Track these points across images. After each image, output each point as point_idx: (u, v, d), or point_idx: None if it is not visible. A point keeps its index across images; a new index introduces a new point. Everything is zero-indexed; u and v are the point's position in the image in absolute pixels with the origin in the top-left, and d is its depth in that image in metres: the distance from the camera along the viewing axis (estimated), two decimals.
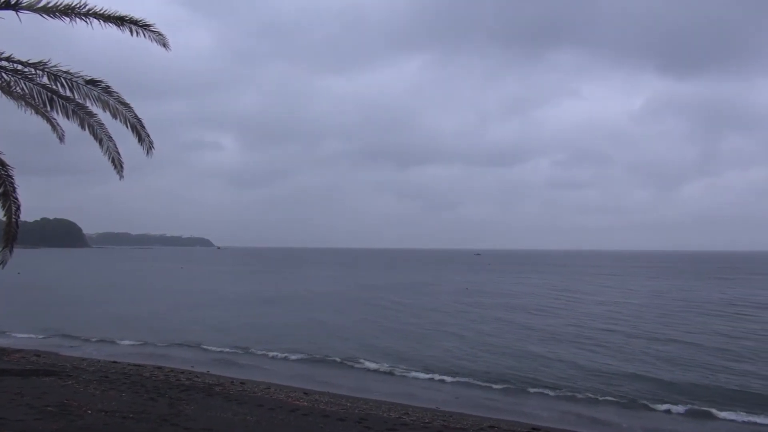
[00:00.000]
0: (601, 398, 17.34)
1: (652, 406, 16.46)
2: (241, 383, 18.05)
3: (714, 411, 15.77)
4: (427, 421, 14.04)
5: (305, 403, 15.39)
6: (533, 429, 13.87)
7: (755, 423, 14.97)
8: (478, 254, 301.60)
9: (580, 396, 17.59)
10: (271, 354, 24.15)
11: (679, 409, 16.09)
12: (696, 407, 16.13)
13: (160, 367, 20.24)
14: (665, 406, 16.33)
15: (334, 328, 31.41)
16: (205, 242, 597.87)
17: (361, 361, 22.61)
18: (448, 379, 20.01)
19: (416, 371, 21.02)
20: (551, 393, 17.95)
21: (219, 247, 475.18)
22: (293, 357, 23.71)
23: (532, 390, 18.43)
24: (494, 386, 19.06)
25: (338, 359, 23.06)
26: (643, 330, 29.81)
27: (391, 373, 20.98)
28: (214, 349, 25.42)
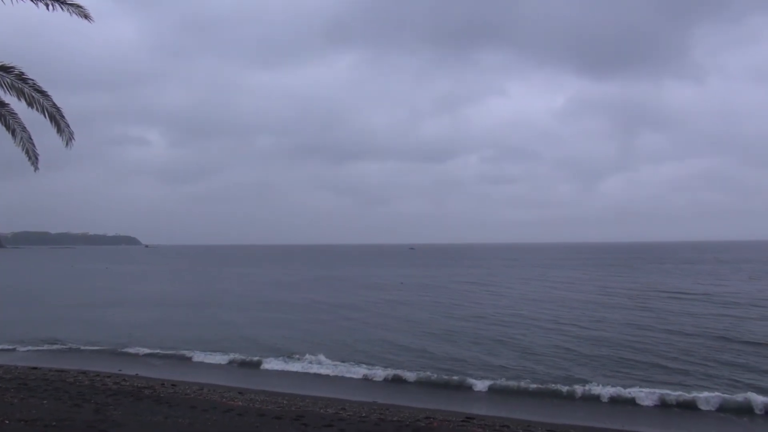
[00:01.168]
0: (522, 387, 17.83)
1: (571, 391, 17.10)
2: (172, 385, 17.49)
3: (626, 393, 16.66)
4: (363, 415, 14.11)
5: (240, 403, 15.11)
6: (467, 418, 14.22)
7: (669, 406, 15.96)
8: (413, 248, 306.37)
9: (505, 384, 18.08)
10: (200, 355, 23.39)
11: (598, 391, 16.83)
12: (605, 392, 16.82)
13: (84, 372, 19.30)
14: (583, 390, 17.03)
15: (249, 327, 30.59)
16: (131, 240, 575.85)
17: (279, 359, 22.40)
18: (377, 374, 20.03)
19: (334, 366, 21.16)
20: (477, 383, 18.27)
21: (147, 246, 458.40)
22: (222, 358, 23.03)
23: (456, 381, 18.78)
24: (422, 379, 19.34)
25: (257, 358, 22.62)
26: (560, 319, 30.94)
27: (318, 372, 20.84)
28: (142, 351, 24.48)
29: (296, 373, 20.91)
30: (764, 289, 47.29)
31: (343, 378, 19.98)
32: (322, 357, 22.22)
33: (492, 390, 17.80)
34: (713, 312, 32.96)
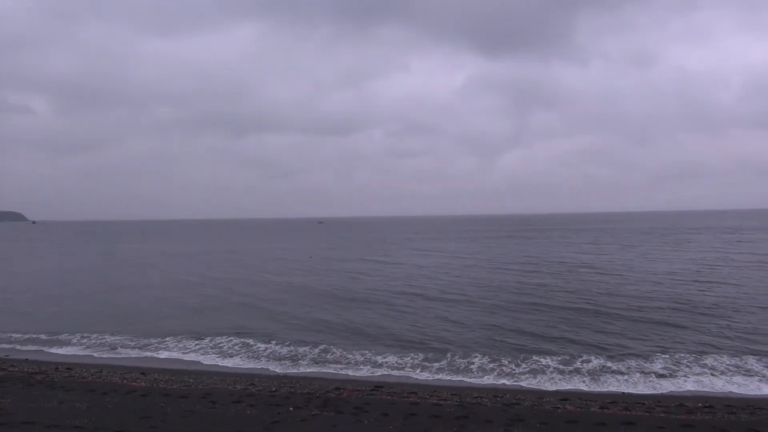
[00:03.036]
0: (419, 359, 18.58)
1: (467, 363, 18.01)
2: (67, 369, 16.52)
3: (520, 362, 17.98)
4: (273, 389, 14.14)
5: (143, 384, 14.61)
6: (377, 386, 14.66)
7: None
8: (321, 222, 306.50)
9: (399, 362, 18.44)
10: (88, 337, 22.10)
11: (487, 360, 17.99)
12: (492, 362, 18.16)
13: None
14: (480, 361, 18.04)
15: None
16: (16, 216, 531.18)
17: (171, 338, 21.76)
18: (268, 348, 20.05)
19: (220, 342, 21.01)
20: (379, 357, 18.62)
21: (34, 222, 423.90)
22: (110, 339, 21.88)
23: (357, 353, 19.01)
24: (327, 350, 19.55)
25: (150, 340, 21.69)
26: (447, 293, 31.91)
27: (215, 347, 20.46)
28: (26, 335, 22.78)
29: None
30: (635, 257, 51.93)
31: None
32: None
33: (389, 363, 17.94)
34: (590, 279, 35.67)
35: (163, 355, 19.75)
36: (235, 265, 54.39)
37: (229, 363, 18.59)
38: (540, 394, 14.08)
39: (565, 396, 13.76)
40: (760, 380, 15.20)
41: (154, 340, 21.52)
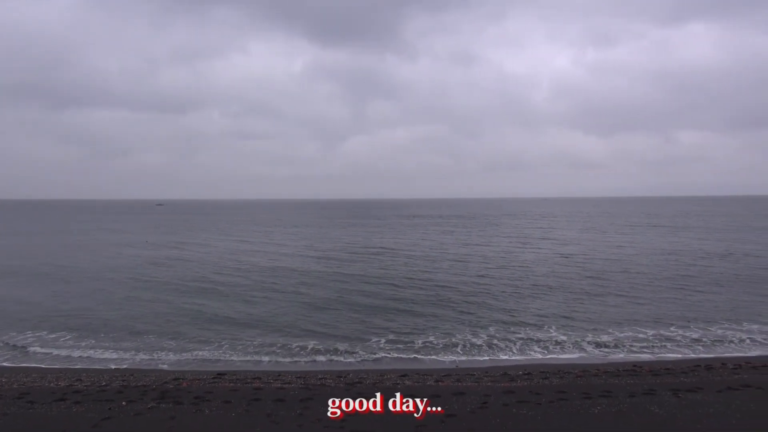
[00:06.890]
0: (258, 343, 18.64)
1: (303, 346, 18.50)
2: None
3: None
4: (103, 384, 13.13)
5: None
6: (219, 374, 14.31)
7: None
8: (161, 204, 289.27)
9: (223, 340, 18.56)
10: None
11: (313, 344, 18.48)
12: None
13: None
14: (310, 344, 18.62)
15: None
16: None
17: None
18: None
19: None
20: (205, 345, 18.24)
21: None
22: None
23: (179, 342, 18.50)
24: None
25: None
26: (263, 280, 31.49)
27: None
28: None
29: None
30: (454, 241, 56.27)
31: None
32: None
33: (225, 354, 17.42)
34: (409, 265, 37.42)
35: None
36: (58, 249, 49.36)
37: (44, 361, 16.67)
38: (381, 372, 14.73)
39: (404, 372, 14.57)
40: (566, 349, 17.46)
41: None
